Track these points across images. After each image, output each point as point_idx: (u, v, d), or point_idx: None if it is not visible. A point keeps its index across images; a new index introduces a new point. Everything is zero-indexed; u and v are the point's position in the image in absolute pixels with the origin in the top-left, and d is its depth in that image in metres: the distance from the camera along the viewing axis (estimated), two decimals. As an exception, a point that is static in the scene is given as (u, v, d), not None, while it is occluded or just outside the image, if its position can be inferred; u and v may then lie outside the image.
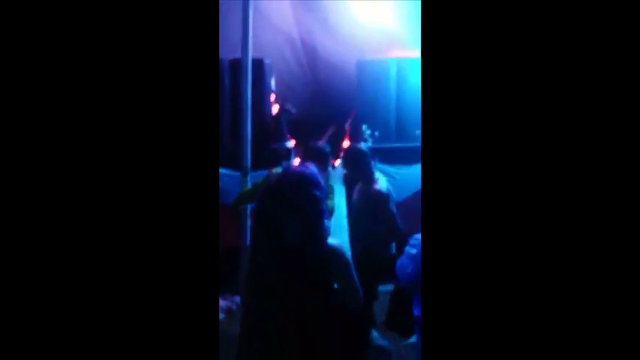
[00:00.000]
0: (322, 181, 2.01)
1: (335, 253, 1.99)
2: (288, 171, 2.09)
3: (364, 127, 5.29)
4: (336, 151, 4.70)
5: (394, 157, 4.92)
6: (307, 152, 3.60)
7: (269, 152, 4.98)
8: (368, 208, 3.60)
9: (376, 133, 5.37)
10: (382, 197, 3.55)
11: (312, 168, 2.03)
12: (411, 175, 4.68)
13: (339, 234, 3.60)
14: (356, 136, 5.06)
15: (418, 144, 4.85)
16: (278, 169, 3.38)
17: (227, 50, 4.35)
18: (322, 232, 1.98)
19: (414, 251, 2.24)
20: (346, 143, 5.09)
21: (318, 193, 1.94)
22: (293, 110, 5.32)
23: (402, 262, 2.28)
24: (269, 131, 5.21)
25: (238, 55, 4.12)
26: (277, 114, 5.36)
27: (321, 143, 3.97)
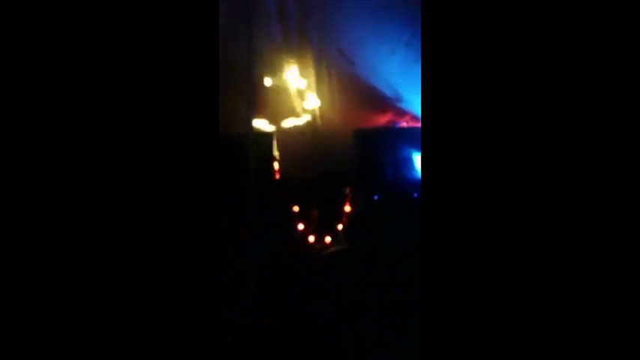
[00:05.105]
0: None
1: None
2: None
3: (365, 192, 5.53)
4: (339, 215, 4.92)
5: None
6: None
7: (274, 217, 5.17)
8: None
9: (375, 197, 5.60)
10: None
11: None
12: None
13: None
14: (357, 200, 5.29)
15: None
16: None
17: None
18: None
19: None
20: (347, 208, 5.32)
21: None
22: None
23: None
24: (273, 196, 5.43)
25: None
26: (280, 180, 5.60)
27: None
